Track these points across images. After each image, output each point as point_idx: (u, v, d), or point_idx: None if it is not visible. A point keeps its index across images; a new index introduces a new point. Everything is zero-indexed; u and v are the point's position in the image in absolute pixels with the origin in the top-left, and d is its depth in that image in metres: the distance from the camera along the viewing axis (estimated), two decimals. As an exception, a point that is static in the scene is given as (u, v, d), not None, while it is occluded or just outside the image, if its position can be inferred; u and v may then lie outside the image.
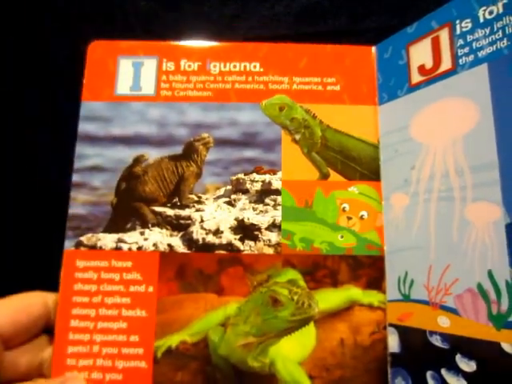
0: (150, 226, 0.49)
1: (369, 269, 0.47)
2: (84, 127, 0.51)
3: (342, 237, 0.49)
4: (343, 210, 0.50)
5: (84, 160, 0.50)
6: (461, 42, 0.42)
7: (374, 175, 0.50)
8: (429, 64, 0.45)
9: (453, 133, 0.42)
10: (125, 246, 0.48)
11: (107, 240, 0.49)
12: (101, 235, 0.49)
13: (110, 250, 0.48)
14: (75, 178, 0.50)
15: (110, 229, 0.50)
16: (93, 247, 0.48)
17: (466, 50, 0.41)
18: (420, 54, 0.46)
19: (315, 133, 0.53)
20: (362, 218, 0.49)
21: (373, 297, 0.47)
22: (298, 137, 0.52)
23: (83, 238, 0.49)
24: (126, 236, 0.49)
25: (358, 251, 0.48)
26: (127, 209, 0.50)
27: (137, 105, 0.52)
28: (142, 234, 0.50)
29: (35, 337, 0.43)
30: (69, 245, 0.48)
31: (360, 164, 0.50)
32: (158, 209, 0.51)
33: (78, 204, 0.49)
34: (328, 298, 0.47)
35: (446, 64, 0.43)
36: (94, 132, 0.51)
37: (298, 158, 0.52)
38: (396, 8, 0.57)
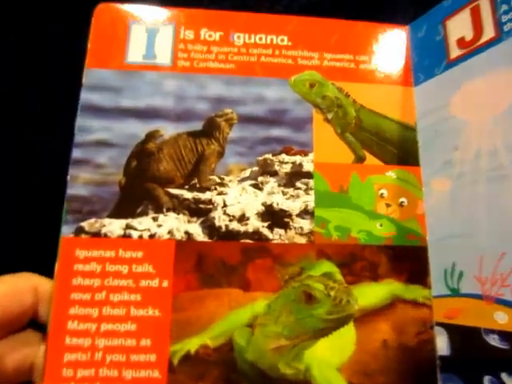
0: (164, 210, 0.45)
1: (411, 261, 0.44)
2: (87, 97, 0.45)
3: (381, 225, 0.46)
4: (381, 196, 0.46)
5: (87, 133, 0.44)
6: (504, 7, 0.39)
7: (412, 159, 0.46)
8: (469, 36, 0.42)
9: (499, 106, 0.39)
10: (135, 234, 0.43)
11: (114, 226, 0.43)
12: (106, 220, 0.43)
13: (117, 237, 0.43)
14: (76, 153, 0.43)
15: (117, 213, 0.44)
16: (96, 234, 0.42)
17: (511, 15, 0.38)
18: (458, 26, 0.44)
19: (349, 112, 0.49)
20: (401, 204, 0.46)
21: (416, 292, 0.43)
22: (330, 116, 0.49)
23: (85, 224, 0.43)
24: (136, 222, 0.44)
25: (398, 241, 0.44)
26: (138, 190, 0.45)
27: (151, 74, 0.47)
28: (155, 219, 0.44)
29: (18, 331, 0.36)
30: (67, 231, 0.42)
31: (397, 147, 0.47)
32: (173, 191, 0.46)
33: (80, 184, 0.43)
34: (368, 294, 0.43)
35: (489, 33, 0.40)
36: (99, 102, 0.45)
37: (331, 138, 0.48)
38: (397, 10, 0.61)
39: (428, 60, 0.45)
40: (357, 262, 0.44)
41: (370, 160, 0.47)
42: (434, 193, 0.43)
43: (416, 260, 0.43)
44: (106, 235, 0.42)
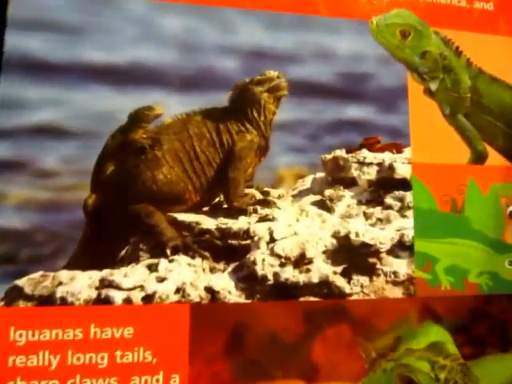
0: (169, 251, 0.33)
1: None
2: (17, 42, 0.31)
3: (511, 263, 0.37)
4: (511, 216, 0.38)
5: (19, 112, 0.31)
6: None
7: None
8: None
9: None
10: (117, 296, 0.31)
11: (79, 284, 0.31)
12: (64, 274, 0.31)
13: (86, 304, 0.31)
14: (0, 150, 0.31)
15: (83, 260, 0.32)
16: (47, 301, 0.31)
17: None
18: None
19: (461, 80, 0.39)
20: (541, 230, 0.38)
21: None
22: (434, 86, 0.38)
23: (24, 282, 0.31)
24: (118, 274, 0.32)
25: (539, 288, 0.37)
26: (120, 217, 0.33)
27: (134, 2, 0.33)
28: (152, 268, 0.33)
29: None
30: (-9, 297, 0.31)
31: None
32: (184, 217, 0.34)
33: (9, 207, 0.31)
34: (495, 373, 0.35)
35: None
36: (40, 53, 0.32)
37: (436, 123, 0.38)
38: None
39: None
40: (479, 323, 0.36)
41: (494, 158, 0.38)
42: None
43: None
44: (64, 301, 0.31)
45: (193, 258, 0.33)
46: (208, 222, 0.34)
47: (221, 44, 0.34)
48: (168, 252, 0.32)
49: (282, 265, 0.34)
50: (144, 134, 0.33)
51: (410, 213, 0.36)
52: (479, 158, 0.38)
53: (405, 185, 0.37)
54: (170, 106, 0.33)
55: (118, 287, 0.31)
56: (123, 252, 0.33)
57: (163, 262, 0.33)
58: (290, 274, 0.34)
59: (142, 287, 0.32)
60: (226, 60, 0.34)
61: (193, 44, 0.34)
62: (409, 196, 0.36)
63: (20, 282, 0.30)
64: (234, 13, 0.35)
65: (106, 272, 0.31)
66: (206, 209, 0.36)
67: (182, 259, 0.33)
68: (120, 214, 0.32)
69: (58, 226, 0.30)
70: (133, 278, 0.31)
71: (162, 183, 0.33)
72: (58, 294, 0.30)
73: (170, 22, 0.33)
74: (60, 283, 0.30)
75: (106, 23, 0.32)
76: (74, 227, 0.31)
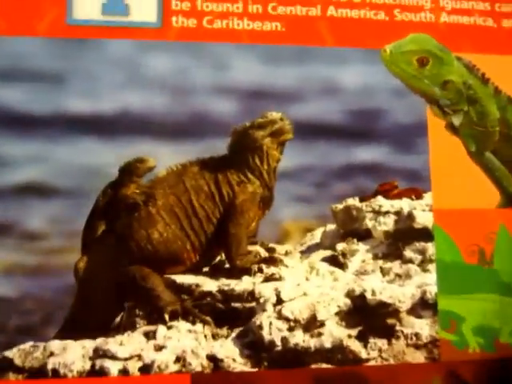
0: (166, 317, 0.42)
1: None
2: None
3: None
4: None
5: (0, 170, 0.43)
6: None
7: None
8: None
9: None
10: (113, 367, 0.41)
11: (72, 354, 0.41)
12: (56, 344, 0.41)
13: (80, 377, 0.40)
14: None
15: (75, 329, 0.42)
16: (39, 373, 0.40)
17: None
18: None
19: (489, 112, 0.48)
20: None
21: None
22: (457, 120, 0.47)
23: (14, 353, 0.41)
24: (113, 343, 0.41)
25: None
26: (114, 281, 0.43)
27: (121, 44, 0.45)
28: (150, 335, 0.42)
29: None
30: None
31: None
32: (182, 279, 0.44)
33: None
34: None
35: None
36: (19, 106, 0.43)
37: (461, 163, 0.47)
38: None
39: None
40: (514, 391, 0.44)
41: (528, 201, 0.47)
42: None
43: None
44: (56, 373, 0.40)
45: (193, 323, 0.42)
46: (209, 284, 0.43)
47: (215, 84, 0.46)
48: (166, 317, 0.42)
49: (290, 329, 0.42)
50: (136, 189, 0.43)
51: (432, 266, 0.44)
52: (510, 200, 0.46)
53: (426, 235, 0.45)
54: (163, 157, 0.45)
55: (114, 357, 0.41)
56: (118, 319, 0.42)
57: (161, 329, 0.42)
58: (299, 338, 0.42)
59: (139, 356, 0.41)
60: (222, 101, 0.46)
61: (184, 86, 0.45)
62: (431, 247, 0.45)
63: (9, 353, 0.40)
64: (229, 48, 0.46)
65: (100, 341, 0.41)
66: (206, 269, 0.45)
67: (181, 325, 0.42)
68: (113, 278, 0.42)
69: (48, 292, 0.41)
70: (129, 346, 0.41)
71: (158, 242, 0.43)
72: (50, 366, 0.40)
73: (157, 63, 0.45)
74: (51, 354, 0.40)
75: (89, 68, 0.44)
76: (64, 293, 0.42)
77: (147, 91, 0.44)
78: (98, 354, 0.42)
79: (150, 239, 0.43)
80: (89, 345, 0.42)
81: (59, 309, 0.41)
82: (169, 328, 0.43)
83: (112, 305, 0.42)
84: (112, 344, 0.42)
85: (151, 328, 0.43)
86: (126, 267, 0.43)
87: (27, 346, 0.41)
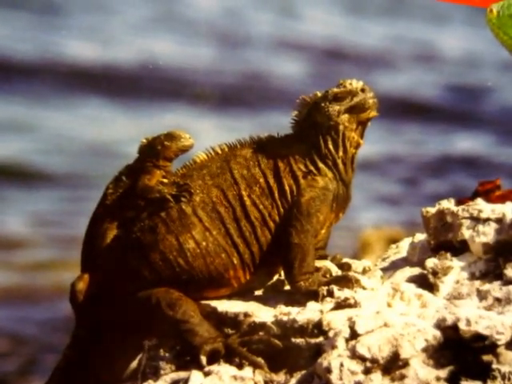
0: (204, 359, 0.35)
1: None
2: None
3: None
4: None
5: None
6: None
7: None
8: None
9: None
10: None
11: None
12: None
13: None
14: None
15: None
16: None
17: None
18: None
19: None
20: None
21: None
22: None
23: None
24: None
25: None
26: (129, 309, 0.35)
27: None
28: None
29: None
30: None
31: None
32: (226, 306, 0.37)
33: None
34: None
35: None
36: None
37: None
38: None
39: None
40: None
41: None
42: None
43: None
44: None
45: (240, 367, 0.35)
46: (262, 313, 0.36)
47: (279, 36, 0.39)
48: (203, 360, 0.34)
49: (366, 371, 0.36)
50: (164, 179, 0.33)
51: (544, 291, 0.40)
52: None
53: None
54: (203, 133, 0.37)
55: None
56: (135, 363, 0.34)
57: (196, 376, 0.34)
58: (378, 383, 0.36)
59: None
60: (287, 60, 0.39)
61: (236, 35, 0.42)
62: (543, 266, 0.40)
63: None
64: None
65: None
66: (258, 292, 0.37)
67: (223, 370, 0.35)
68: (128, 305, 0.33)
69: (28, 326, 0.32)
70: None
71: (194, 255, 0.34)
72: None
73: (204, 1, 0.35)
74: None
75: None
76: (52, 328, 0.36)
77: (183, 38, 0.37)
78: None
79: (182, 250, 0.35)
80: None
81: (46, 352, 0.31)
82: (206, 374, 0.35)
83: (126, 344, 0.34)
84: (130, 397, 0.36)
85: (181, 375, 0.35)
86: (146, 290, 0.34)
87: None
